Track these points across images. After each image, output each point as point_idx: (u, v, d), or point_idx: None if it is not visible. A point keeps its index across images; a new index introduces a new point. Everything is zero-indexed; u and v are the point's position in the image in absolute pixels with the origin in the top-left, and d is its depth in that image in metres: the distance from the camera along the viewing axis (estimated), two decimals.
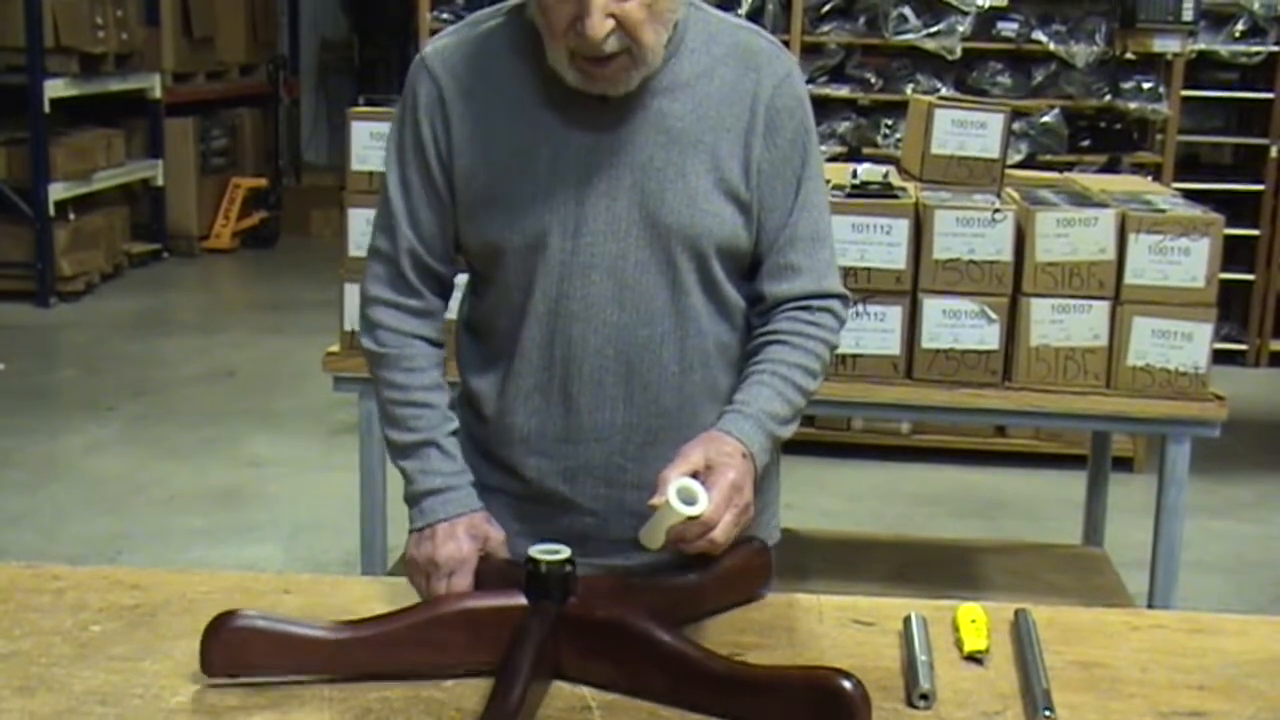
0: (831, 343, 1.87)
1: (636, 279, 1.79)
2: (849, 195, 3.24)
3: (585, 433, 1.84)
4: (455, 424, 1.87)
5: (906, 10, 5.77)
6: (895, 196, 3.25)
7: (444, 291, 1.91)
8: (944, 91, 5.69)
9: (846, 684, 1.45)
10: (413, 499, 1.85)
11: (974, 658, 1.69)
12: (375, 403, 1.93)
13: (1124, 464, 5.28)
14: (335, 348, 3.31)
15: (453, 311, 1.94)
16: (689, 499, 1.63)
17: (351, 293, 3.24)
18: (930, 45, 5.76)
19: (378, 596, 1.83)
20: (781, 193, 1.83)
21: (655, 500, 1.64)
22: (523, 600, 1.62)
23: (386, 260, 1.87)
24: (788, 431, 1.81)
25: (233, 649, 1.56)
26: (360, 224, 3.22)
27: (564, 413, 1.84)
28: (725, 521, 1.65)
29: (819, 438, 5.35)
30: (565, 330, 1.81)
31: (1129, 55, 5.76)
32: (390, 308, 1.87)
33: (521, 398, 1.85)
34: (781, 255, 1.84)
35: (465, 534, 1.80)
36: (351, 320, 3.24)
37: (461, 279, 1.93)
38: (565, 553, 1.64)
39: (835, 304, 1.88)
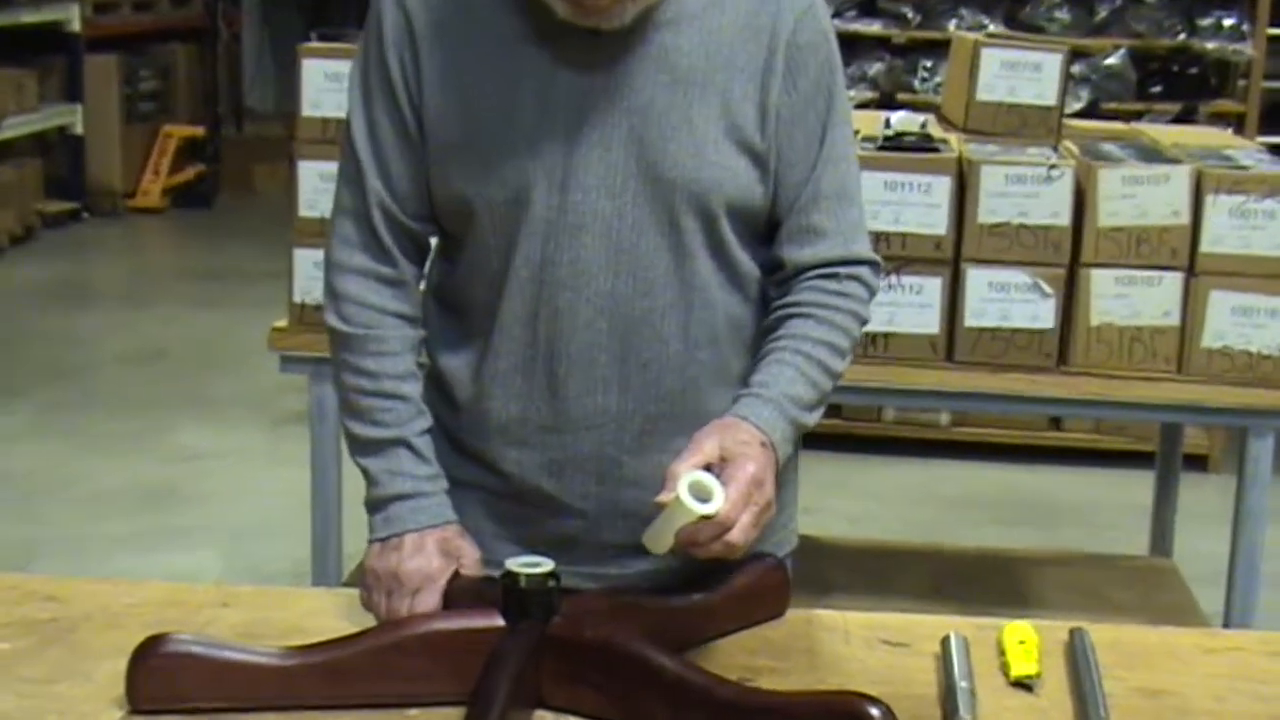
0: (861, 316, 1.87)
1: (634, 242, 1.79)
2: (881, 148, 3.24)
3: (573, 421, 1.84)
4: (429, 420, 1.87)
5: None
6: (935, 150, 3.25)
7: (419, 256, 1.91)
8: (992, 28, 5.69)
9: (874, 711, 1.45)
10: (376, 504, 1.85)
11: (1023, 684, 1.69)
12: (334, 389, 1.93)
13: (1197, 462, 5.29)
14: (283, 323, 3.31)
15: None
16: (702, 495, 1.62)
17: (302, 260, 3.24)
18: None
19: (331, 611, 1.83)
20: (803, 143, 1.83)
21: (663, 497, 1.63)
22: (499, 621, 1.62)
23: (355, 218, 1.86)
24: (812, 419, 1.81)
25: (163, 678, 1.56)
26: (312, 180, 3.22)
27: (549, 397, 1.84)
28: (744, 521, 1.64)
29: (844, 430, 5.36)
30: (551, 301, 1.81)
31: None
32: (360, 276, 1.87)
33: (500, 380, 1.85)
34: (803, 216, 1.85)
35: (436, 549, 1.80)
36: (302, 292, 3.25)
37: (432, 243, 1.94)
38: (548, 566, 1.64)
39: (865, 271, 1.88)
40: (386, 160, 1.84)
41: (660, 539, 1.65)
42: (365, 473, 1.86)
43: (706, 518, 1.62)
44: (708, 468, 1.66)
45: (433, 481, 1.85)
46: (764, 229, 1.87)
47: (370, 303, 1.86)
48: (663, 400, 1.83)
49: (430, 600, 1.77)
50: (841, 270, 1.86)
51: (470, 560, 1.82)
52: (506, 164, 1.78)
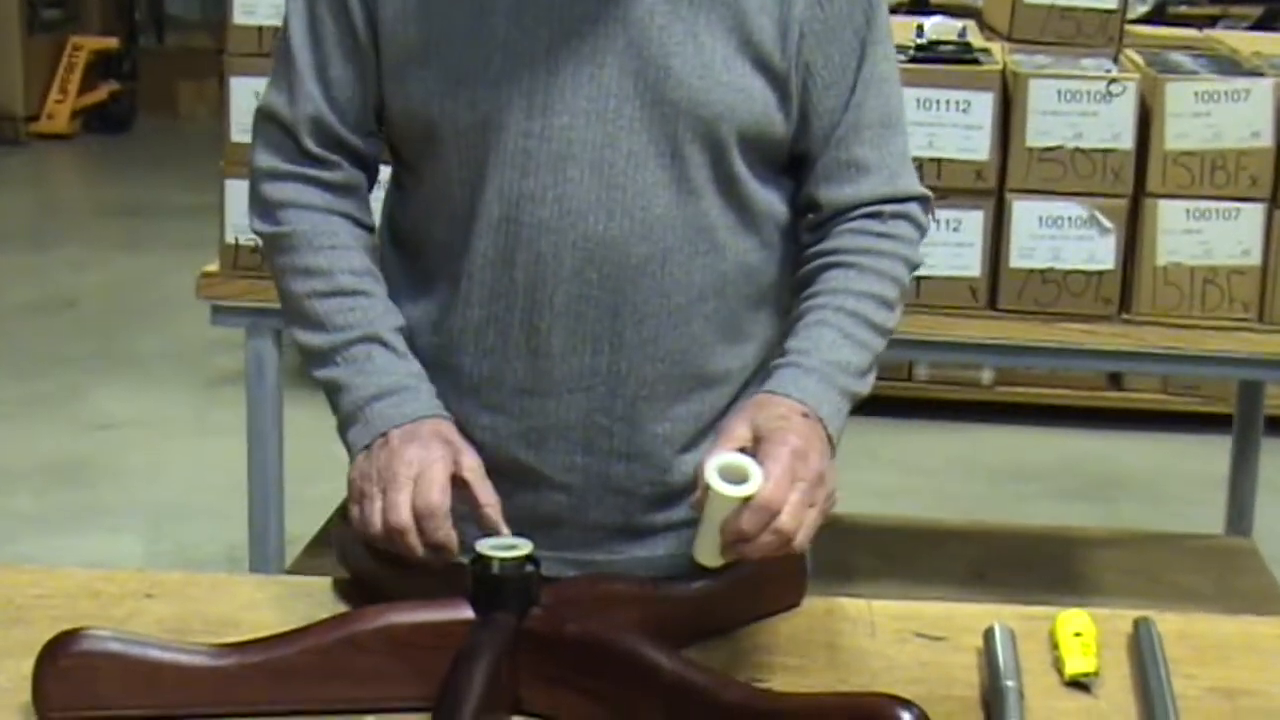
0: (911, 260, 1.88)
1: (630, 176, 1.79)
2: (913, 59, 3.23)
3: (556, 383, 1.84)
4: (401, 319, 1.85)
5: None
6: (976, 61, 3.24)
7: (364, 167, 1.90)
8: None
9: (905, 716, 1.45)
10: (352, 412, 1.80)
11: (1079, 683, 1.69)
12: (280, 302, 1.88)
13: None
14: (213, 267, 3.30)
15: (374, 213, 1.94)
16: (737, 478, 1.62)
17: (235, 192, 3.23)
18: None
19: (272, 601, 1.83)
20: (840, 63, 1.82)
21: (696, 497, 1.63)
22: (468, 612, 1.62)
23: (282, 128, 1.86)
24: (865, 385, 1.82)
25: (76, 681, 1.56)
26: (246, 98, 3.20)
27: (527, 355, 1.84)
28: (792, 501, 1.62)
29: (871, 391, 5.36)
30: (530, 245, 1.80)
31: None
32: (293, 181, 1.86)
33: (469, 334, 1.85)
34: (843, 149, 1.85)
35: (431, 436, 1.75)
36: (235, 230, 3.24)
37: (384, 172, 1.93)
38: (525, 548, 1.64)
39: (914, 208, 1.89)
40: (327, 65, 1.84)
41: (706, 547, 1.63)
42: (330, 386, 1.82)
43: (747, 500, 1.60)
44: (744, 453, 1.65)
45: (416, 378, 1.82)
46: (784, 161, 1.87)
47: (311, 203, 1.86)
48: (661, 360, 1.83)
49: (435, 492, 1.70)
50: (887, 208, 1.86)
51: (471, 463, 1.76)
52: (477, 81, 1.77)
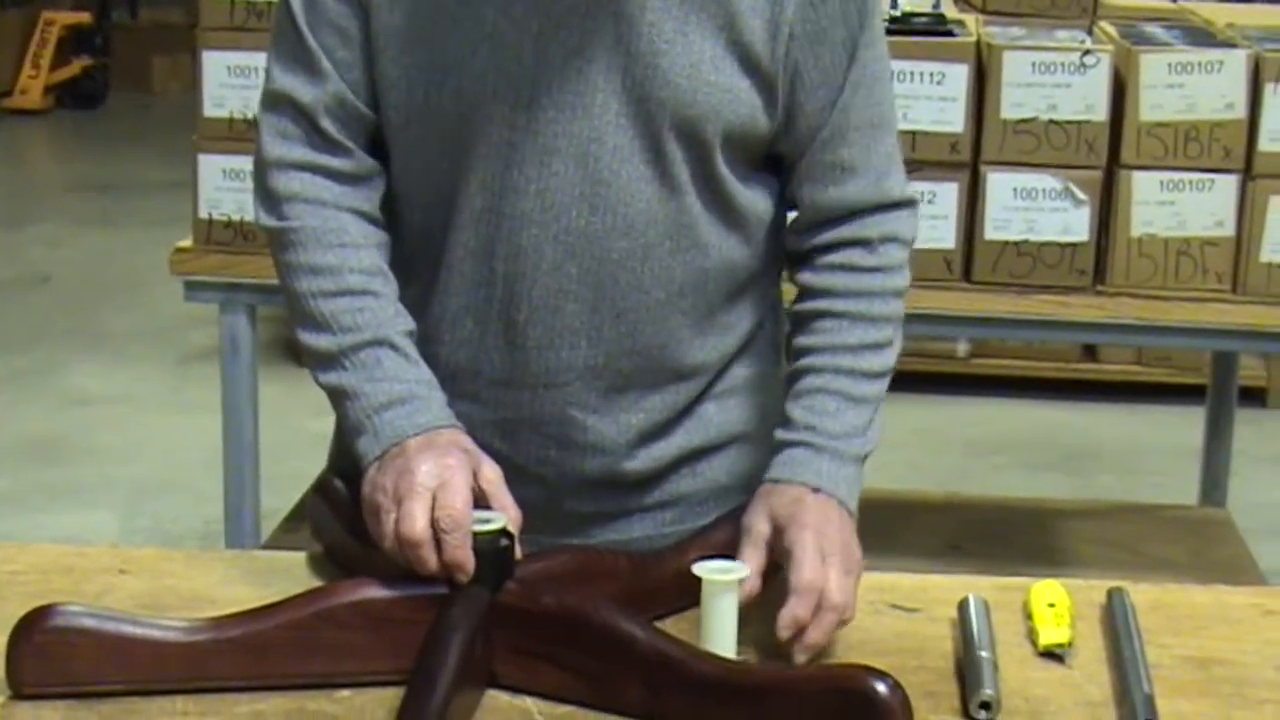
0: (900, 289, 1.87)
1: (614, 171, 1.77)
2: (887, 32, 3.20)
3: (532, 376, 1.83)
4: (411, 323, 1.81)
5: None
6: (950, 33, 3.24)
7: (376, 149, 1.85)
8: None
9: (881, 687, 1.46)
10: (361, 421, 1.75)
11: (1053, 653, 1.70)
12: (285, 301, 1.83)
13: (1255, 397, 5.32)
14: (187, 243, 3.29)
15: None
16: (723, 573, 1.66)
17: (208, 168, 3.22)
18: None
19: (247, 577, 1.83)
20: (830, 63, 1.80)
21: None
22: (443, 586, 1.62)
23: (298, 110, 1.81)
24: (873, 440, 1.83)
25: (51, 657, 1.56)
26: (219, 73, 3.19)
27: (505, 347, 1.83)
28: (833, 577, 1.67)
29: None
30: (511, 237, 1.79)
31: None
32: (305, 171, 1.81)
33: (448, 322, 1.84)
34: (829, 151, 1.83)
35: (449, 444, 1.71)
36: (209, 205, 3.23)
37: None
38: (499, 521, 1.64)
39: (900, 222, 1.87)
40: (333, 44, 1.80)
41: (717, 641, 1.64)
42: (337, 392, 1.77)
43: (740, 581, 1.65)
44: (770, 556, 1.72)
45: (428, 385, 1.77)
46: (768, 161, 1.86)
47: (321, 199, 1.81)
48: (638, 354, 1.82)
49: (459, 503, 1.64)
50: (874, 226, 1.84)
51: (490, 474, 1.70)
52: (462, 67, 1.76)
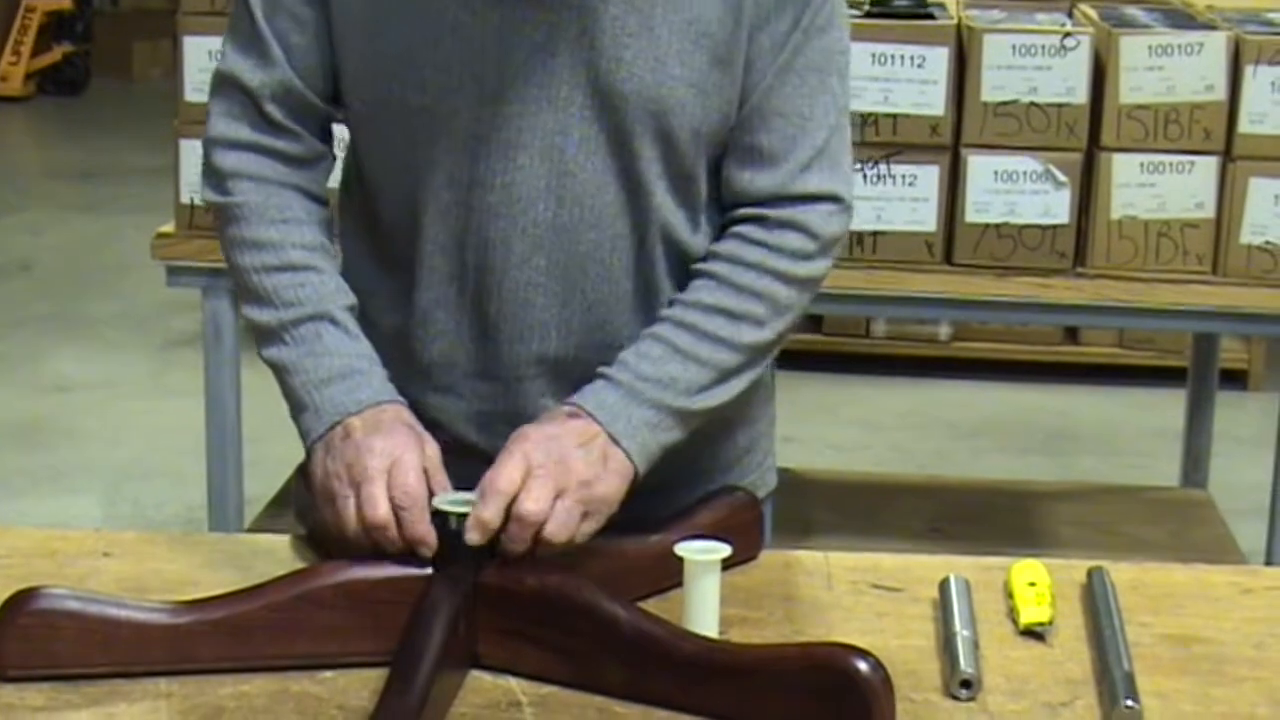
0: (789, 275, 1.80)
1: (580, 165, 1.77)
2: (867, 15, 3.23)
3: (505, 368, 1.83)
4: (353, 298, 1.82)
5: None
6: (929, 16, 3.24)
7: (327, 138, 1.87)
8: None
9: (861, 665, 1.46)
10: (302, 398, 1.76)
11: (1033, 632, 1.70)
12: (229, 275, 1.86)
13: (1235, 379, 5.33)
14: (169, 228, 3.29)
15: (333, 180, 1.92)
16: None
17: (190, 153, 3.21)
18: None
19: (231, 560, 1.83)
20: (767, 47, 1.77)
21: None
22: (426, 567, 1.63)
23: (244, 93, 1.82)
24: (697, 402, 1.77)
25: (35, 639, 1.56)
26: (200, 59, 3.19)
27: (478, 339, 1.83)
28: (533, 488, 1.63)
29: (827, 347, 5.38)
30: (480, 231, 1.79)
31: None
32: (250, 151, 1.83)
33: (425, 314, 1.84)
34: (746, 132, 1.80)
35: (395, 421, 1.72)
36: (191, 190, 3.22)
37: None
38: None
39: (812, 216, 1.80)
40: (287, 30, 1.80)
41: (699, 620, 1.64)
42: (279, 369, 1.79)
43: (723, 561, 1.64)
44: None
45: (368, 360, 1.78)
46: None
47: (265, 176, 1.82)
48: (609, 346, 1.81)
49: (413, 480, 1.65)
50: (774, 214, 1.80)
51: (431, 452, 1.72)
52: (426, 63, 1.75)
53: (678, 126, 1.77)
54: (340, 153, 1.92)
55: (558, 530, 1.64)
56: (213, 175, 1.85)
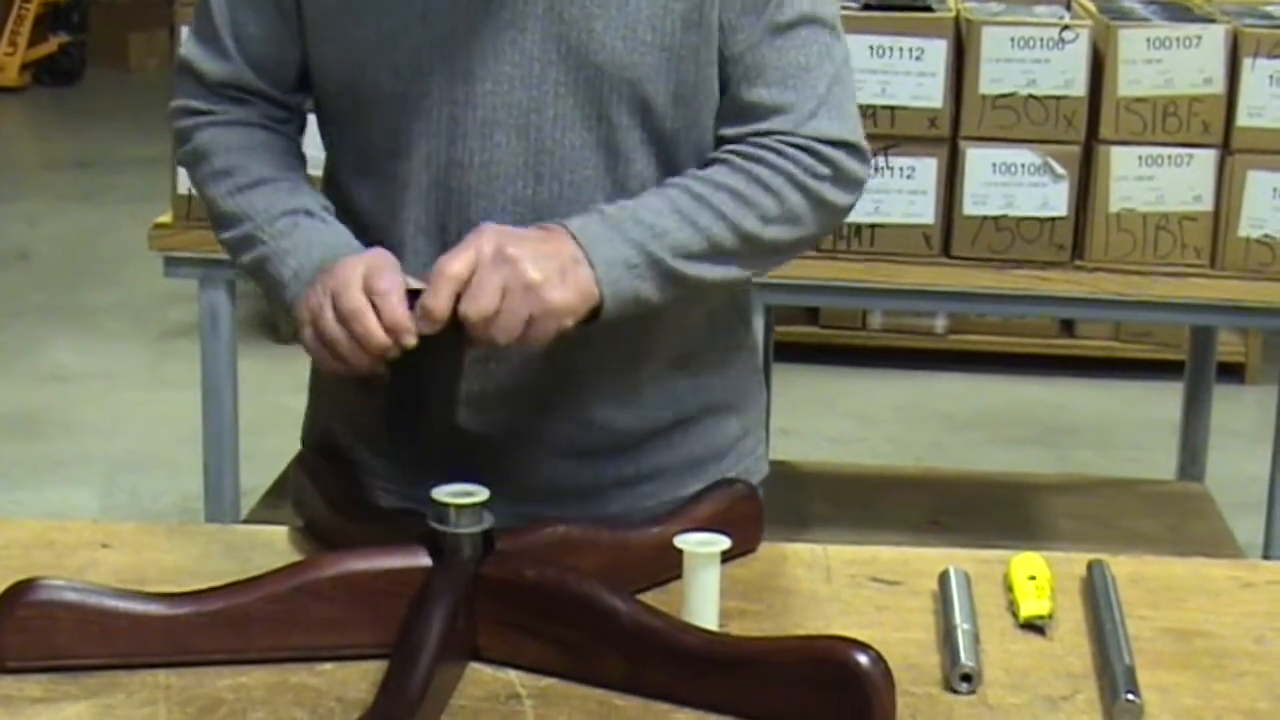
0: (804, 184, 1.76)
1: (557, 140, 1.77)
2: (866, 7, 3.22)
3: (495, 347, 1.82)
4: (327, 202, 1.82)
5: None
6: (928, 8, 3.24)
7: (286, 109, 1.88)
8: None
9: (861, 658, 1.46)
10: (286, 279, 1.75)
11: (1033, 625, 1.71)
12: (204, 208, 1.86)
13: (1233, 372, 5.33)
14: (166, 218, 3.28)
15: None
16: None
17: None
18: None
19: (229, 551, 1.83)
20: (749, 4, 1.76)
21: None
22: (425, 559, 1.62)
23: (198, 80, 1.86)
24: (688, 267, 1.72)
25: (34, 631, 1.56)
26: None
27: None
28: (460, 254, 1.62)
29: (824, 339, 5.38)
30: (461, 211, 1.79)
31: None
32: (219, 126, 1.84)
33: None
34: (744, 90, 1.78)
35: (370, 254, 1.70)
36: (187, 180, 3.21)
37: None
38: (482, 495, 1.64)
39: (834, 151, 1.78)
40: (245, 20, 1.81)
41: (699, 612, 1.63)
42: (256, 264, 1.78)
43: (723, 553, 1.65)
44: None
45: (348, 245, 1.76)
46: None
47: (230, 121, 1.84)
48: (598, 327, 1.80)
49: (387, 272, 1.65)
50: (793, 139, 1.77)
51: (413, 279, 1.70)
52: (397, 45, 1.75)
53: (654, 92, 1.76)
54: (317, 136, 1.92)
55: (498, 331, 1.63)
56: (179, 135, 1.87)
